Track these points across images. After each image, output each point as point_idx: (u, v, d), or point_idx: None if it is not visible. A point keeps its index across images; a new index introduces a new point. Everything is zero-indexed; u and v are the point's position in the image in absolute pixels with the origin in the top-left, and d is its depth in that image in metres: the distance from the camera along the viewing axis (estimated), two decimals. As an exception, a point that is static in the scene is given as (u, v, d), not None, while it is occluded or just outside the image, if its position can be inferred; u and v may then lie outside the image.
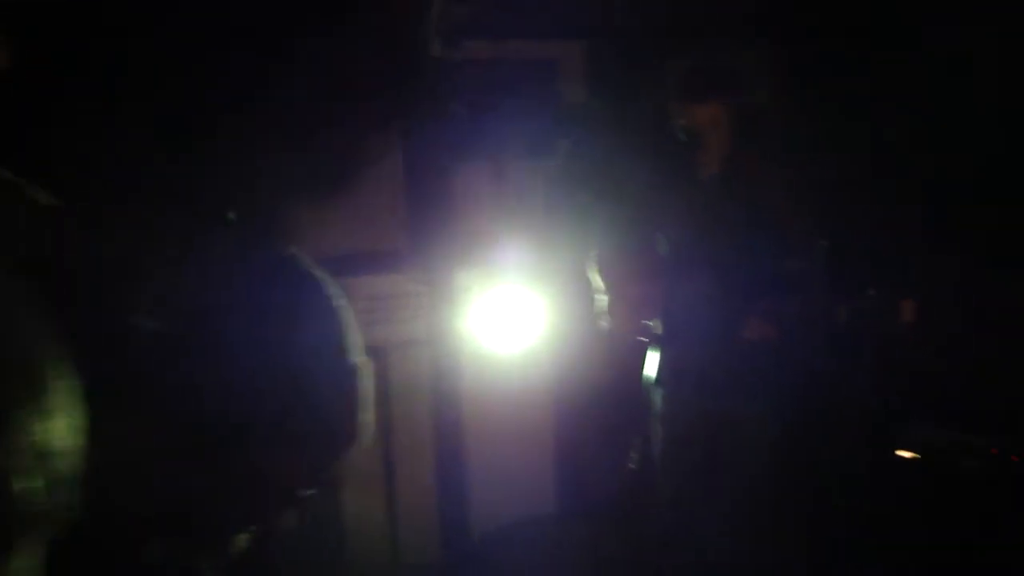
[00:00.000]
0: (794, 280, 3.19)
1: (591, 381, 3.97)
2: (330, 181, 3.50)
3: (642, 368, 3.51)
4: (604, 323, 3.51)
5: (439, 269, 3.81)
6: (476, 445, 3.87)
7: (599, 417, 3.99)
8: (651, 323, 3.45)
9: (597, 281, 3.47)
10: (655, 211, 3.38)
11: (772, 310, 3.15)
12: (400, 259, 3.79)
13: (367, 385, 2.01)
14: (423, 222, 3.79)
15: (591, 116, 3.81)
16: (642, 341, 3.51)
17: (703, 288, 3.30)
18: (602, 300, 3.46)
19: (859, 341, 3.19)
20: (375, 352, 3.83)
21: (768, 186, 3.30)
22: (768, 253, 3.30)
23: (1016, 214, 3.39)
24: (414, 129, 3.59)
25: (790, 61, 3.33)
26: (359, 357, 2.27)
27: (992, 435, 3.62)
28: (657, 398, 3.45)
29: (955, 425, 3.77)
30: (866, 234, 3.14)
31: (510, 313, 3.90)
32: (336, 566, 3.51)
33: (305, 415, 2.01)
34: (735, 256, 3.25)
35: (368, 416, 1.97)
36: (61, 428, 1.27)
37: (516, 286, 3.87)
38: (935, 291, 3.11)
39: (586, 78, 3.98)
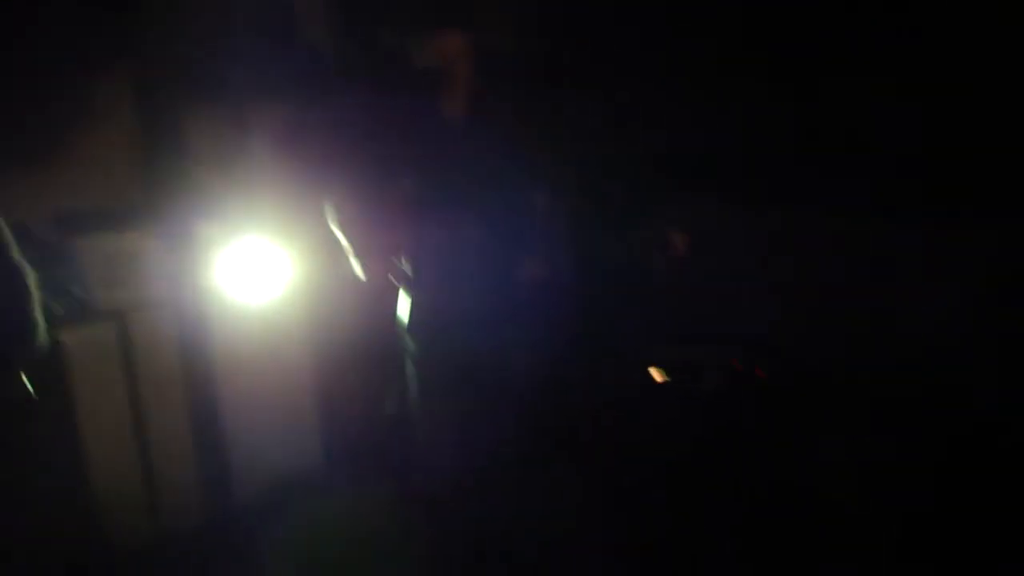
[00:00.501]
0: (557, 220, 3.24)
1: (345, 329, 3.88)
2: (55, 136, 3.20)
3: (394, 313, 3.46)
4: (352, 270, 3.43)
5: (179, 224, 3.59)
6: (233, 404, 3.69)
7: (357, 365, 3.92)
8: (400, 267, 3.40)
9: (336, 227, 3.37)
10: (401, 152, 3.32)
11: (545, 250, 3.18)
12: (137, 215, 3.53)
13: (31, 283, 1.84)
14: (160, 175, 3.54)
15: (333, 56, 3.68)
16: (392, 285, 3.46)
17: (460, 230, 3.29)
18: (347, 246, 3.37)
19: (630, 276, 3.30)
20: (116, 316, 3.60)
21: (522, 126, 3.31)
22: (523, 194, 3.32)
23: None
24: (146, 78, 3.34)
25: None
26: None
27: (732, 350, 3.87)
28: (411, 342, 3.42)
29: (696, 342, 4.00)
30: (633, 171, 3.23)
31: (257, 265, 3.73)
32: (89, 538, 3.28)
33: None
34: (488, 197, 3.25)
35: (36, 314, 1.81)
36: None
37: (261, 237, 3.71)
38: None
39: (326, 17, 3.83)
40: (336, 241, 3.38)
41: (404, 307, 3.41)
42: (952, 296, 3.48)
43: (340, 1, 3.83)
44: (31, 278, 1.69)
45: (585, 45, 3.66)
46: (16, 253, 1.85)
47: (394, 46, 3.43)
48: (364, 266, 3.37)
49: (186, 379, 3.65)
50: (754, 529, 3.43)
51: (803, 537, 3.37)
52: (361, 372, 3.93)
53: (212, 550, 3.52)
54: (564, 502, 3.52)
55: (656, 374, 3.83)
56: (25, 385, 2.08)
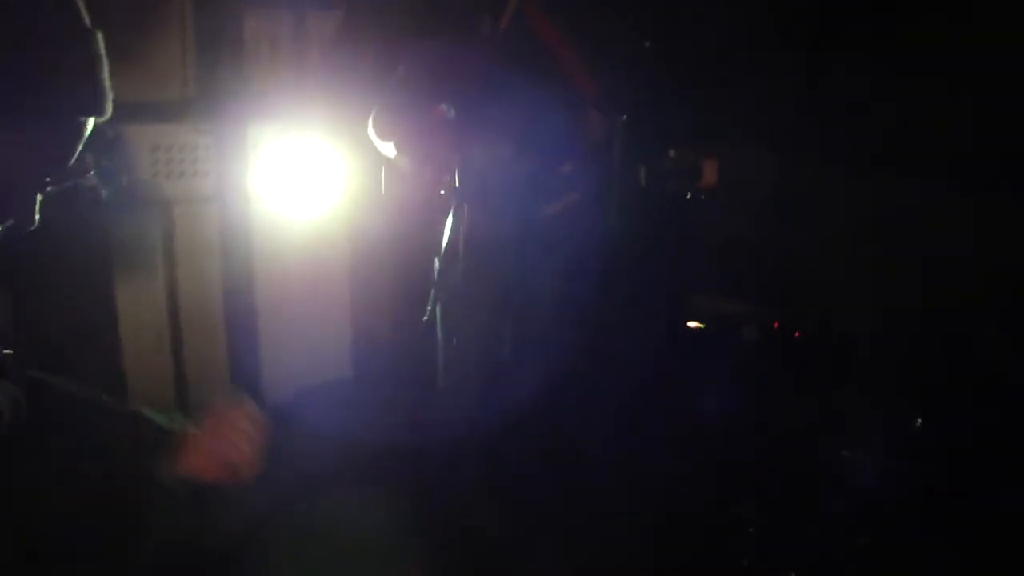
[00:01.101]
0: (591, 143, 3.14)
1: (388, 242, 3.88)
2: (108, 27, 3.18)
3: (439, 231, 3.44)
4: (400, 183, 3.39)
5: (229, 121, 3.58)
6: (268, 308, 3.74)
7: (396, 278, 3.92)
8: (448, 186, 3.36)
9: (380, 140, 3.33)
10: (439, 67, 3.24)
11: (575, 175, 3.10)
12: (187, 108, 3.53)
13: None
14: (213, 70, 3.52)
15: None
16: (438, 203, 3.42)
17: (498, 150, 3.22)
18: (396, 159, 3.33)
19: (660, 206, 3.22)
20: (160, 207, 3.65)
21: (557, 46, 3.20)
22: (562, 115, 3.23)
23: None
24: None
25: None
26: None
27: (774, 308, 3.80)
28: (448, 263, 3.39)
29: (741, 297, 3.93)
30: (663, 96, 3.12)
31: (306, 170, 3.74)
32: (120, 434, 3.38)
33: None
34: (527, 117, 3.17)
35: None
36: None
37: (312, 142, 3.70)
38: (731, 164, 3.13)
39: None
40: (381, 151, 3.35)
41: (448, 221, 3.39)
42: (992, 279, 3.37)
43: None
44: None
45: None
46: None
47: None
48: (412, 181, 3.34)
49: (225, 276, 3.70)
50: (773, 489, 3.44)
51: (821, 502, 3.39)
52: (396, 284, 3.93)
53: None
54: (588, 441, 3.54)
55: (693, 323, 3.78)
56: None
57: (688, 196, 2.96)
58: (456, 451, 3.46)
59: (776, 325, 3.69)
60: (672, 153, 2.95)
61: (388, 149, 3.27)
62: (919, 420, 3.38)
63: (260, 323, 3.75)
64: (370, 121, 3.24)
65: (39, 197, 1.51)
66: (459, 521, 3.41)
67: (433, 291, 3.37)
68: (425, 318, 3.41)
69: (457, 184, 3.26)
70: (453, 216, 3.30)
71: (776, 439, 3.63)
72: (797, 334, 3.63)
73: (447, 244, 3.35)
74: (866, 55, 3.35)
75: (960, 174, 3.17)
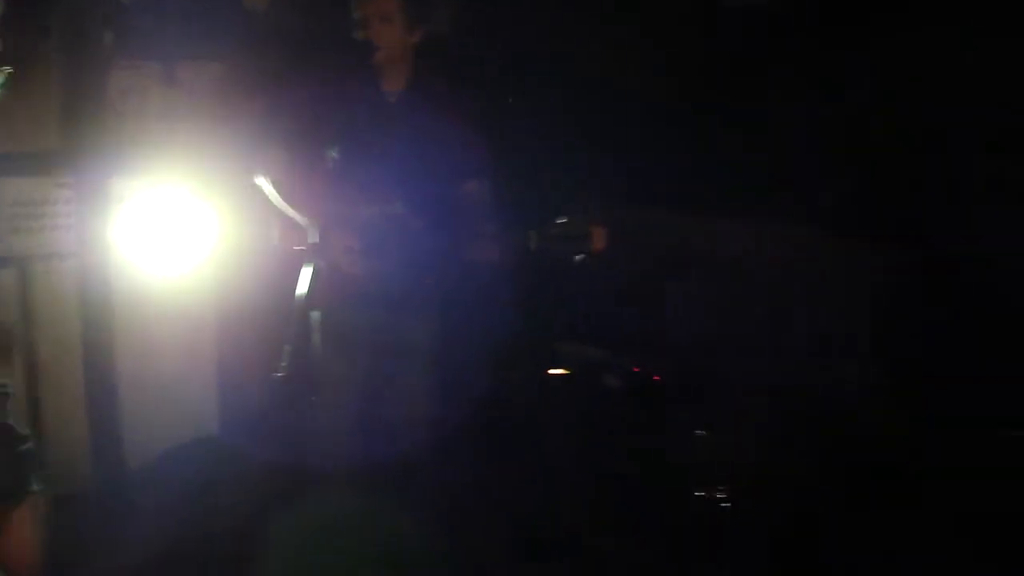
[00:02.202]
0: (481, 204, 3.26)
1: (250, 293, 3.84)
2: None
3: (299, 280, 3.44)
4: (271, 236, 3.40)
5: (93, 174, 3.50)
6: (131, 365, 3.62)
7: (260, 332, 3.87)
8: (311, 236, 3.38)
9: (265, 193, 3.34)
10: (331, 123, 3.31)
11: (496, 234, 3.20)
12: (48, 161, 3.43)
13: None
14: (76, 122, 3.44)
15: (266, 18, 3.62)
16: (300, 253, 3.43)
17: (377, 205, 3.29)
18: (271, 213, 3.34)
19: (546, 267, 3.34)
20: (17, 263, 3.50)
21: (451, 113, 3.34)
22: (447, 175, 3.34)
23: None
24: (72, 22, 3.24)
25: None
26: None
27: (632, 355, 3.98)
28: (313, 311, 3.39)
29: (601, 345, 4.09)
30: (555, 164, 3.28)
31: (169, 223, 3.68)
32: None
33: None
34: (411, 175, 3.27)
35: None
36: None
37: (178, 195, 3.65)
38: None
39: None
40: (258, 206, 3.35)
41: (308, 276, 3.39)
42: (845, 309, 3.65)
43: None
44: None
45: (520, 37, 3.70)
46: None
47: (329, 11, 3.41)
48: (282, 234, 3.35)
49: (85, 332, 3.57)
50: (638, 523, 3.57)
51: (683, 533, 3.52)
52: (262, 337, 3.88)
53: (100, 510, 3.47)
54: (460, 485, 3.57)
55: (560, 369, 3.92)
56: None
57: (576, 259, 3.09)
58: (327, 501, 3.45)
59: (636, 370, 3.88)
60: (562, 219, 3.09)
61: (276, 197, 3.29)
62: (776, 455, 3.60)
63: (122, 382, 3.62)
64: (258, 172, 3.27)
65: None
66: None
67: (287, 346, 3.37)
68: (280, 374, 3.40)
69: (317, 239, 3.32)
70: (312, 270, 3.33)
71: (636, 478, 3.80)
72: (657, 378, 3.82)
73: (305, 298, 3.37)
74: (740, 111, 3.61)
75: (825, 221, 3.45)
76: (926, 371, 3.58)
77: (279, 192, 3.32)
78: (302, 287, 3.41)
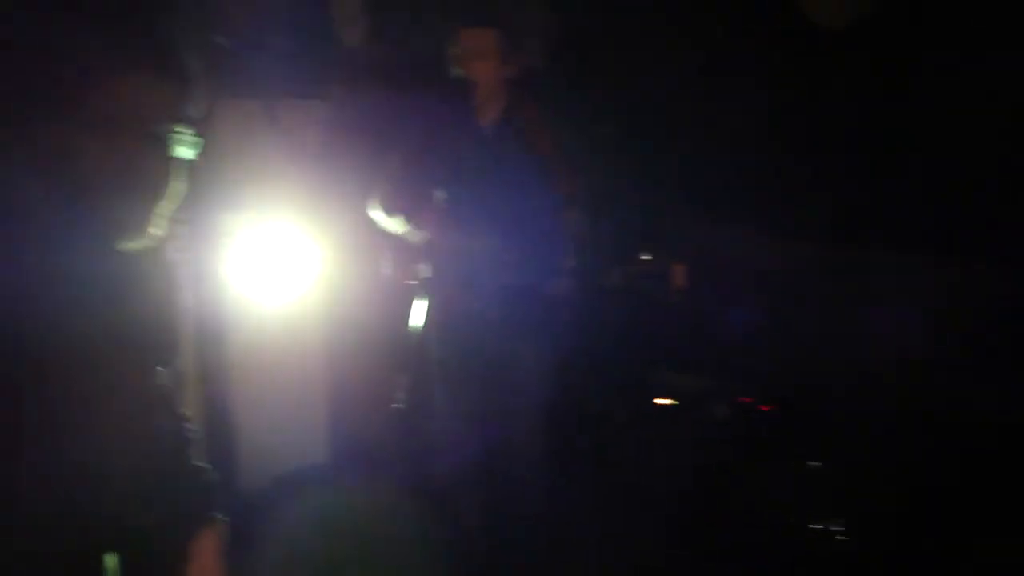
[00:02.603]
0: (572, 237, 3.26)
1: (361, 326, 3.91)
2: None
3: (410, 312, 3.50)
4: (382, 267, 3.48)
5: (203, 210, 3.62)
6: (243, 396, 3.74)
7: (371, 362, 3.95)
8: (423, 269, 3.44)
9: (378, 225, 3.42)
10: (431, 157, 3.36)
11: (575, 267, 3.21)
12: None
13: None
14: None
15: (366, 58, 3.69)
16: (412, 286, 3.50)
17: (481, 236, 3.32)
18: (381, 244, 3.42)
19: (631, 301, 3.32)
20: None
21: (545, 144, 3.34)
22: (544, 209, 3.35)
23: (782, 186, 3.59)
24: (178, 70, 3.35)
25: (566, 30, 3.39)
26: None
27: (740, 384, 3.88)
28: (425, 342, 3.45)
29: (707, 375, 4.01)
30: (639, 201, 3.25)
31: (278, 257, 3.78)
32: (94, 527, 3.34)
33: None
34: (511, 205, 3.29)
35: None
36: None
37: (286, 229, 3.74)
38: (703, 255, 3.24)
39: (362, 19, 3.84)
40: (366, 239, 3.43)
41: (421, 307, 3.45)
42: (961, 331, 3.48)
43: (375, 1, 3.84)
44: None
45: (610, 62, 3.67)
46: None
47: (427, 48, 3.46)
48: (392, 266, 3.42)
49: (200, 363, 3.71)
50: (750, 557, 3.48)
51: (797, 568, 3.45)
52: (374, 370, 3.96)
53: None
54: (564, 511, 3.57)
55: (663, 400, 3.85)
56: None
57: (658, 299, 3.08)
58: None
59: (745, 400, 3.78)
60: (643, 256, 3.08)
61: (391, 225, 3.36)
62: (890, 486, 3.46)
63: (235, 411, 3.75)
64: (375, 199, 3.34)
65: None
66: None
67: (406, 376, 3.43)
68: (397, 405, 3.47)
69: (431, 272, 3.37)
70: (428, 301, 3.39)
71: (748, 512, 3.70)
72: (766, 407, 3.71)
73: (421, 329, 3.43)
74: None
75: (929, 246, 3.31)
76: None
77: (390, 225, 3.40)
78: (416, 319, 3.49)
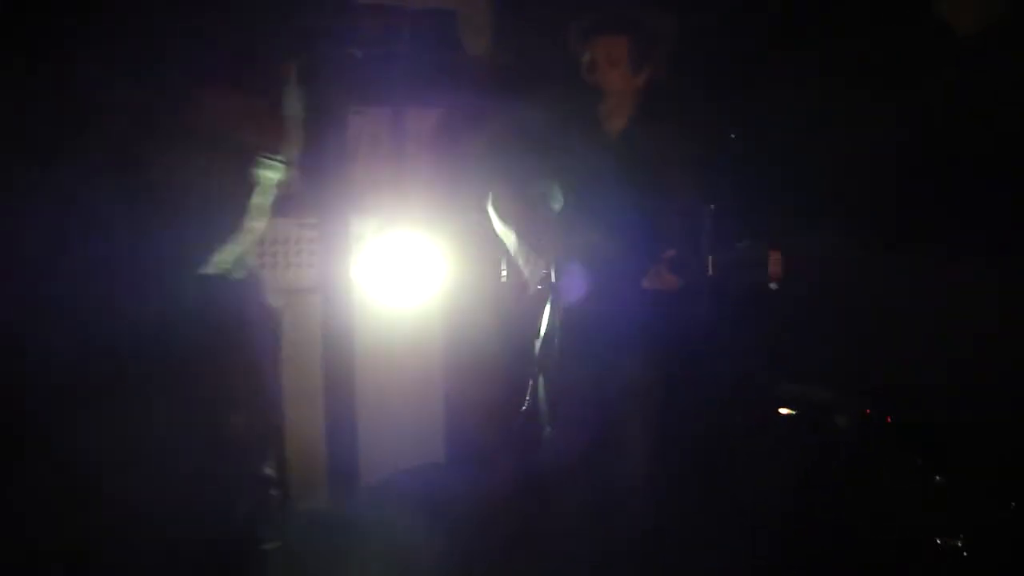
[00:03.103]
0: (681, 231, 3.24)
1: (486, 330, 3.99)
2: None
3: (539, 318, 3.54)
4: (509, 272, 3.54)
5: (332, 215, 3.76)
6: (367, 394, 3.85)
7: (491, 367, 4.02)
8: (548, 273, 3.47)
9: (501, 229, 3.48)
10: (557, 162, 3.39)
11: (678, 260, 3.18)
12: (291, 203, 3.72)
13: None
14: (317, 166, 3.71)
15: (493, 66, 3.78)
16: (540, 291, 3.54)
17: (603, 242, 3.34)
18: (509, 248, 3.48)
19: (733, 292, 3.28)
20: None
21: (669, 146, 3.34)
22: (663, 209, 3.34)
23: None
24: (309, 70, 3.50)
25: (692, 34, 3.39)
26: None
27: (863, 395, 3.79)
28: (551, 349, 3.48)
29: (825, 384, 3.93)
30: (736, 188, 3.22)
31: (405, 261, 3.89)
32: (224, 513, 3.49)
33: None
34: (633, 211, 3.29)
35: None
36: None
37: (412, 234, 3.86)
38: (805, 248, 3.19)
39: (488, 27, 3.94)
40: (488, 243, 3.50)
41: (546, 312, 3.49)
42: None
43: (502, 7, 3.93)
44: None
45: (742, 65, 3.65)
46: None
47: (555, 56, 3.51)
48: (517, 269, 3.47)
49: (325, 362, 3.84)
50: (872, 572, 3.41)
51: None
52: (496, 377, 4.03)
53: (332, 526, 3.71)
54: (683, 528, 3.55)
55: (784, 410, 3.79)
56: None
57: (756, 287, 3.03)
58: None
59: (868, 412, 3.69)
60: (739, 244, 3.04)
61: (506, 232, 3.42)
62: (1015, 503, 3.33)
63: (358, 407, 3.87)
64: (491, 203, 3.42)
65: None
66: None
67: (532, 381, 3.46)
68: (524, 408, 3.50)
69: (554, 277, 3.41)
70: (551, 306, 3.43)
71: (880, 527, 3.62)
72: (888, 419, 3.62)
73: (545, 334, 3.46)
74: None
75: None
76: None
77: (513, 231, 3.45)
78: (543, 324, 3.53)
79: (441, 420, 4.08)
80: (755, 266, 3.02)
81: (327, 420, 3.82)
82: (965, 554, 3.37)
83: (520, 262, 3.48)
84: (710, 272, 3.09)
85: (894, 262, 3.54)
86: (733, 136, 3.45)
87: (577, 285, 3.39)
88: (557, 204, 3.42)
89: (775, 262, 3.00)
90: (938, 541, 3.43)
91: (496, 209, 3.47)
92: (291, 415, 3.81)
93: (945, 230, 3.35)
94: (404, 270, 3.86)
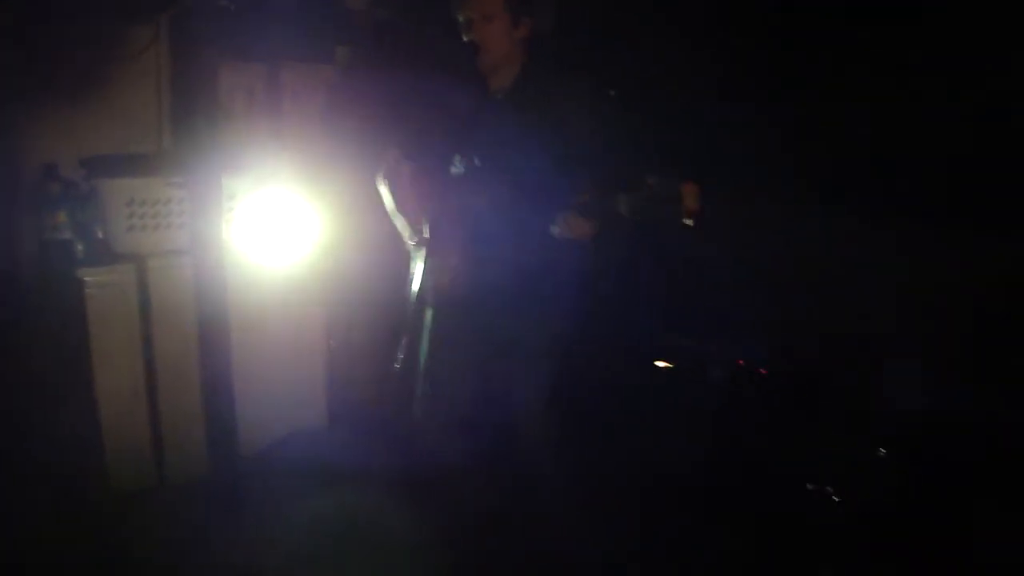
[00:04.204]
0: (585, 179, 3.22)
1: (361, 290, 3.92)
2: (84, 78, 3.21)
3: (410, 275, 3.49)
4: (382, 231, 3.46)
5: (204, 174, 3.60)
6: (244, 360, 3.72)
7: (369, 326, 3.96)
8: (425, 234, 3.41)
9: (383, 191, 3.40)
10: (436, 122, 3.33)
11: (588, 205, 3.14)
12: (162, 161, 3.55)
13: None
14: (188, 123, 3.55)
15: (372, 21, 3.67)
16: (416, 251, 3.48)
17: (494, 199, 3.29)
18: (389, 210, 3.40)
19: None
20: (135, 259, 3.65)
21: (559, 109, 3.31)
22: (561, 159, 3.31)
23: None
24: (181, 25, 3.33)
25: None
26: None
27: (737, 347, 3.92)
28: (425, 304, 3.44)
29: (700, 337, 4.04)
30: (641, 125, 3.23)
31: (280, 221, 3.77)
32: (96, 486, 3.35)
33: None
34: (528, 165, 3.25)
35: None
36: None
37: (288, 193, 3.74)
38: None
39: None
40: (369, 203, 3.41)
41: (421, 269, 3.43)
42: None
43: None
44: None
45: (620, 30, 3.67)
46: None
47: (434, 11, 3.43)
48: (397, 230, 3.40)
49: (199, 327, 3.70)
50: (746, 517, 3.56)
51: (797, 530, 3.50)
52: (370, 331, 3.97)
53: (211, 498, 3.60)
54: (562, 478, 3.59)
55: (662, 362, 3.88)
56: None
57: (675, 223, 2.98)
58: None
59: (741, 363, 3.82)
60: (651, 181, 2.98)
61: (389, 199, 3.34)
62: (883, 450, 3.51)
63: (236, 373, 3.74)
64: (381, 172, 3.32)
65: None
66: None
67: (404, 338, 3.41)
68: (397, 365, 3.45)
69: (427, 233, 3.35)
70: (424, 264, 3.37)
71: (748, 475, 3.75)
72: (763, 371, 3.75)
73: (417, 291, 3.41)
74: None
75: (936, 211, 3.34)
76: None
77: (388, 189, 3.38)
78: (414, 281, 3.47)
79: (322, 383, 4.00)
80: (668, 202, 2.95)
81: (203, 388, 3.68)
82: (835, 499, 3.55)
83: (397, 223, 3.41)
84: (624, 213, 3.03)
85: (769, 216, 3.66)
86: (613, 93, 3.46)
87: (454, 243, 3.35)
88: (436, 163, 3.36)
89: (690, 195, 2.93)
90: (809, 487, 3.60)
91: (382, 179, 3.39)
92: (164, 383, 3.69)
93: (824, 184, 3.48)
94: (279, 230, 3.73)
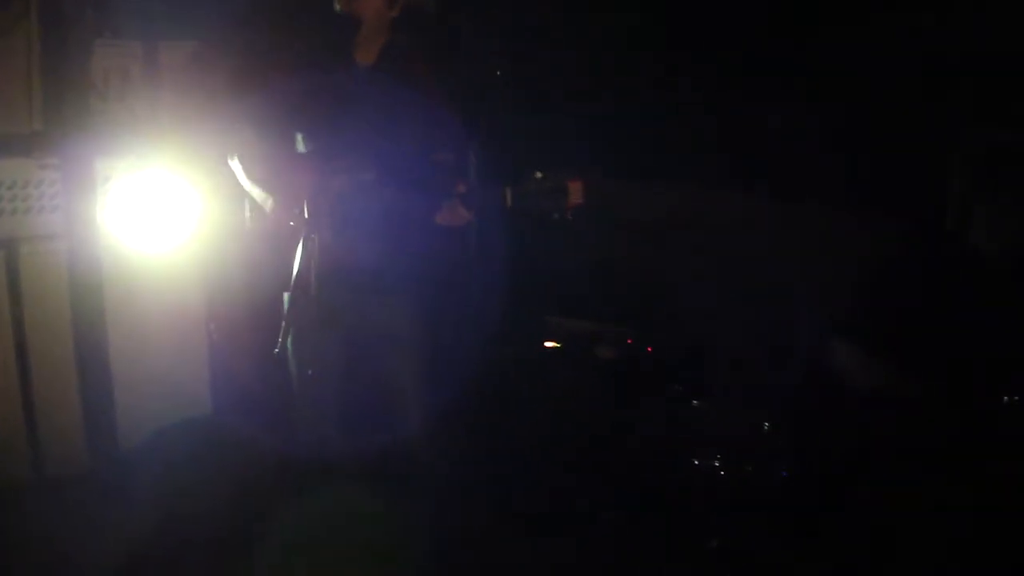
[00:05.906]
0: (454, 169, 3.21)
1: (240, 274, 3.82)
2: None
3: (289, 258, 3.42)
4: (259, 214, 3.38)
5: (78, 155, 3.47)
6: (122, 348, 3.62)
7: (251, 311, 3.86)
8: (299, 214, 3.35)
9: (241, 172, 3.32)
10: (302, 98, 3.27)
11: (468, 195, 3.14)
12: (33, 143, 3.40)
13: None
14: (61, 103, 3.41)
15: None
16: (293, 232, 3.42)
17: (358, 176, 3.25)
18: (254, 190, 3.32)
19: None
20: (5, 245, 3.49)
21: (424, 79, 3.29)
22: (420, 143, 3.30)
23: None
24: (52, 1, 3.20)
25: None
26: None
27: (626, 326, 3.97)
28: (303, 287, 3.38)
29: (590, 316, 4.09)
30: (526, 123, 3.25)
31: (157, 203, 3.66)
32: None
33: None
34: (387, 145, 3.22)
35: None
36: None
37: (165, 176, 3.63)
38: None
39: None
40: (238, 182, 3.33)
41: (298, 252, 3.37)
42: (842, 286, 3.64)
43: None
44: None
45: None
46: None
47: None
48: (269, 212, 3.32)
49: (73, 315, 3.57)
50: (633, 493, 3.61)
51: (678, 501, 3.57)
52: (252, 316, 3.88)
53: (91, 493, 3.48)
54: (449, 464, 3.58)
55: (551, 342, 3.91)
56: None
57: (555, 216, 3.04)
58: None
59: (629, 341, 3.87)
60: (538, 174, 3.03)
61: (247, 181, 3.26)
62: (768, 425, 3.61)
63: (114, 363, 3.62)
64: (231, 153, 3.23)
65: None
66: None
67: (284, 324, 3.35)
68: (277, 351, 3.38)
69: (307, 215, 3.29)
70: (303, 247, 3.31)
71: (631, 448, 3.81)
72: (649, 349, 3.82)
73: (296, 276, 3.35)
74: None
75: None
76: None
77: (248, 171, 3.30)
78: (295, 264, 3.40)
79: (205, 370, 3.90)
80: (553, 195, 3.01)
81: (79, 379, 3.56)
82: (721, 473, 3.64)
83: (266, 205, 3.33)
84: (509, 204, 3.06)
85: (656, 196, 3.72)
86: (499, 72, 3.47)
87: (328, 221, 3.29)
88: (302, 141, 3.30)
89: (576, 191, 3.00)
90: (695, 461, 3.68)
91: (236, 153, 3.31)
92: (38, 375, 3.54)
93: (717, 170, 3.56)
94: (157, 213, 3.63)
